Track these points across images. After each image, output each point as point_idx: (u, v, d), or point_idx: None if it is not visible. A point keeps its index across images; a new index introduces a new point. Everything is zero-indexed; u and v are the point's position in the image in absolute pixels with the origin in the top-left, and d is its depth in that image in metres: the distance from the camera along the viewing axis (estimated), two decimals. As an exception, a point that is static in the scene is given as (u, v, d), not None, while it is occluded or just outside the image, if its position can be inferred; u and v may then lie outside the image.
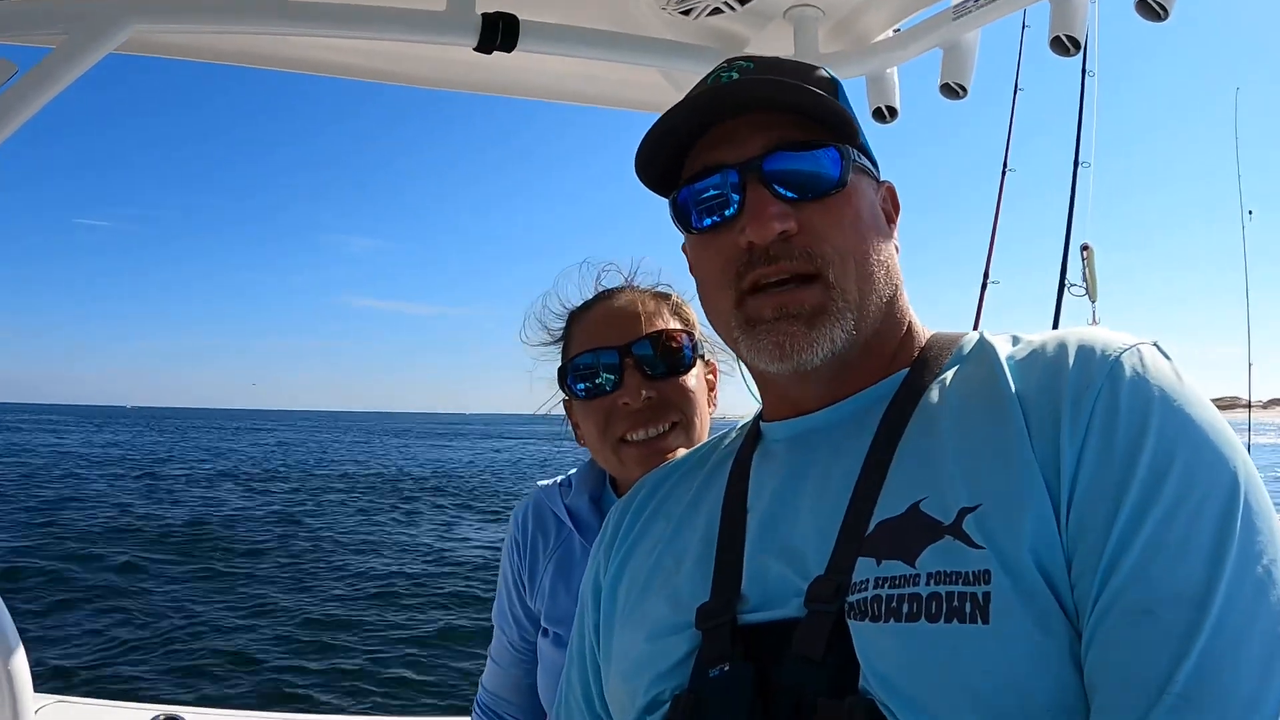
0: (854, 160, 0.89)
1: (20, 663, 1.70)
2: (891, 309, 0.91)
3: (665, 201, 0.95)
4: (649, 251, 1.57)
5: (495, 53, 1.68)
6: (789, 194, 0.85)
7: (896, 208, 0.97)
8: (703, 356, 1.48)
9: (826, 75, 0.95)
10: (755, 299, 0.86)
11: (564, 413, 1.57)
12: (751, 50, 2.06)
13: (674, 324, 1.45)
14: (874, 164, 0.95)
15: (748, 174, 0.86)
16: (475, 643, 8.70)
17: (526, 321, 1.58)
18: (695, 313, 1.53)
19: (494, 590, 1.71)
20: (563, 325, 1.54)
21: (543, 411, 1.58)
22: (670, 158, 0.94)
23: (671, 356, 1.40)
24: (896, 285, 0.92)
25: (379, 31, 1.67)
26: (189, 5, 1.60)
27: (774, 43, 2.02)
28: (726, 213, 0.87)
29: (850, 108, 0.93)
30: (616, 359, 1.39)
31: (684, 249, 1.00)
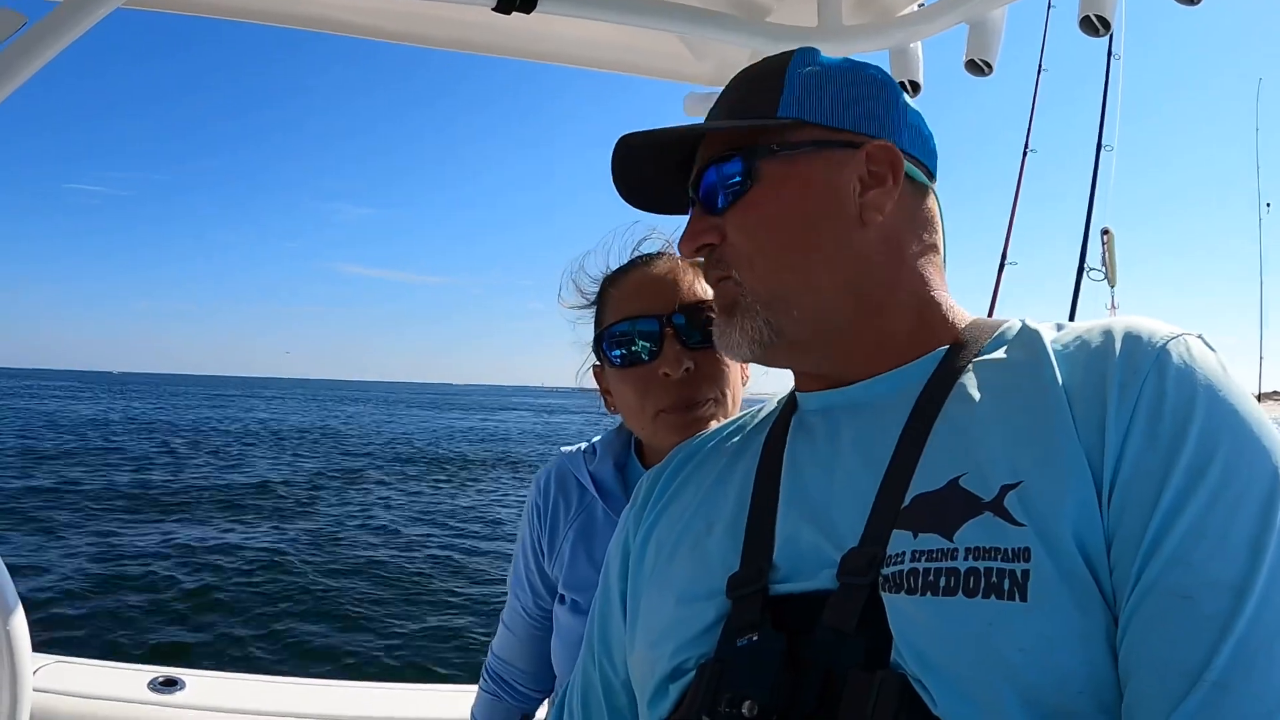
0: (770, 153, 0.89)
1: (19, 622, 1.71)
2: (863, 285, 0.88)
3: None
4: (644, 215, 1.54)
5: (514, 14, 1.65)
6: (712, 206, 0.93)
7: (892, 170, 0.90)
8: None
9: (772, 64, 0.96)
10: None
11: (591, 382, 1.54)
12: (775, 19, 2.03)
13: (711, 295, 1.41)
14: (844, 131, 0.90)
15: (692, 198, 0.96)
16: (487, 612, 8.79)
17: (563, 283, 1.54)
18: None
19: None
20: (597, 289, 1.51)
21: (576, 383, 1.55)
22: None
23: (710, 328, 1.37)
24: (854, 263, 0.88)
25: (395, -12, 1.65)
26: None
27: (797, 12, 1.99)
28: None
29: (819, 75, 0.92)
30: (656, 327, 1.36)
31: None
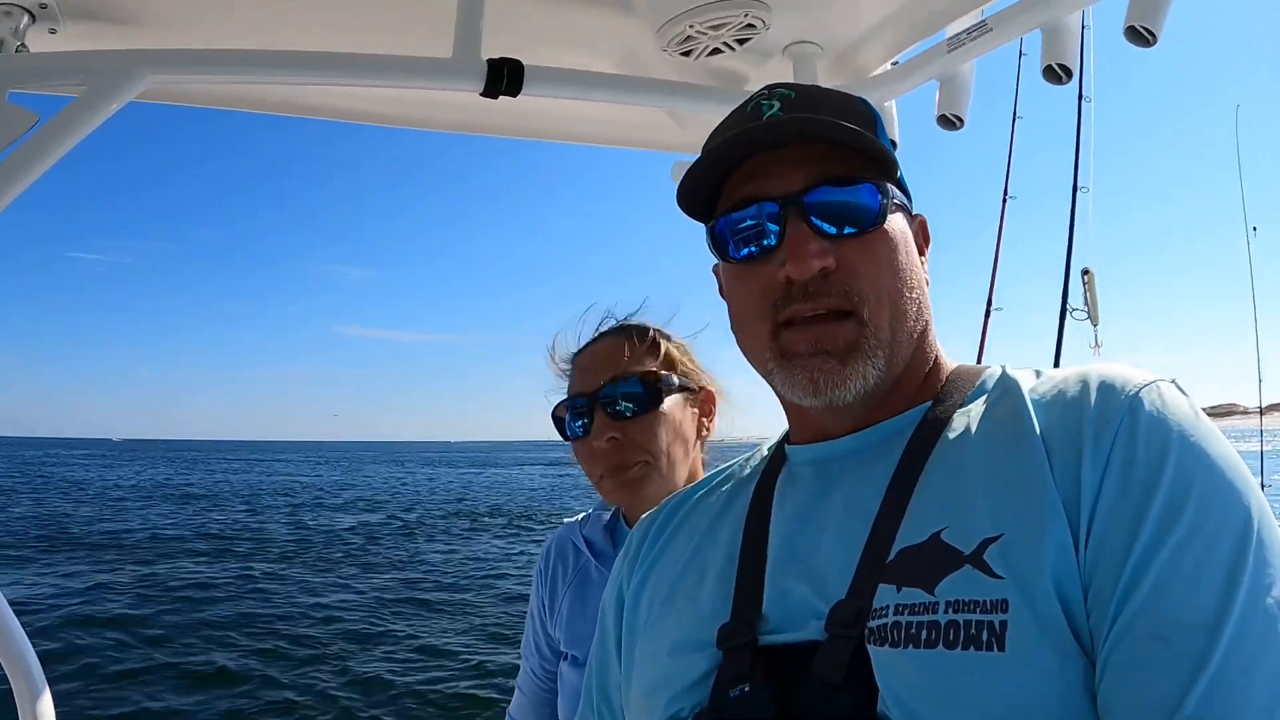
0: (892, 197, 0.90)
1: (46, 706, 1.72)
2: (922, 344, 0.93)
3: (650, 232, 0.98)
4: (635, 275, 1.66)
5: (501, 97, 1.71)
6: (829, 228, 0.86)
7: (927, 241, 0.98)
8: (688, 388, 1.57)
9: (867, 110, 0.96)
10: (790, 333, 0.87)
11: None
12: (753, 87, 2.10)
13: (646, 366, 1.55)
14: (909, 198, 0.97)
15: (788, 208, 0.87)
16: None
17: (548, 363, 1.69)
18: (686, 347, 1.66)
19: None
20: (569, 366, 1.66)
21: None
22: (708, 187, 0.95)
23: (635, 399, 1.51)
24: (927, 320, 0.93)
25: (388, 80, 1.71)
26: (202, 59, 1.64)
27: (775, 79, 2.06)
28: (765, 243, 0.88)
29: (888, 142, 0.94)
30: (588, 404, 1.53)
31: (715, 271, 1.01)
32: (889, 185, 0.90)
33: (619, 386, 1.52)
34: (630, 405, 1.51)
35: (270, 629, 11.17)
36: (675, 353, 1.62)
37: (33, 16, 1.63)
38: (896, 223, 0.91)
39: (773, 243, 0.88)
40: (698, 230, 0.98)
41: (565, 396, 1.60)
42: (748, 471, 1.06)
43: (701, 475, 1.53)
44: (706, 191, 0.95)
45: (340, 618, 11.86)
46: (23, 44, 1.62)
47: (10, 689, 1.67)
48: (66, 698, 8.08)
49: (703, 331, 1.68)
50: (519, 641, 1.80)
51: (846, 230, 0.87)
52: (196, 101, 2.04)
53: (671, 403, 1.55)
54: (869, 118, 0.95)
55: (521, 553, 18.62)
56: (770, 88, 0.95)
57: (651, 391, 1.53)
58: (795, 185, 0.87)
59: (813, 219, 0.86)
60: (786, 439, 1.03)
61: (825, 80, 2.07)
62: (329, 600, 13.17)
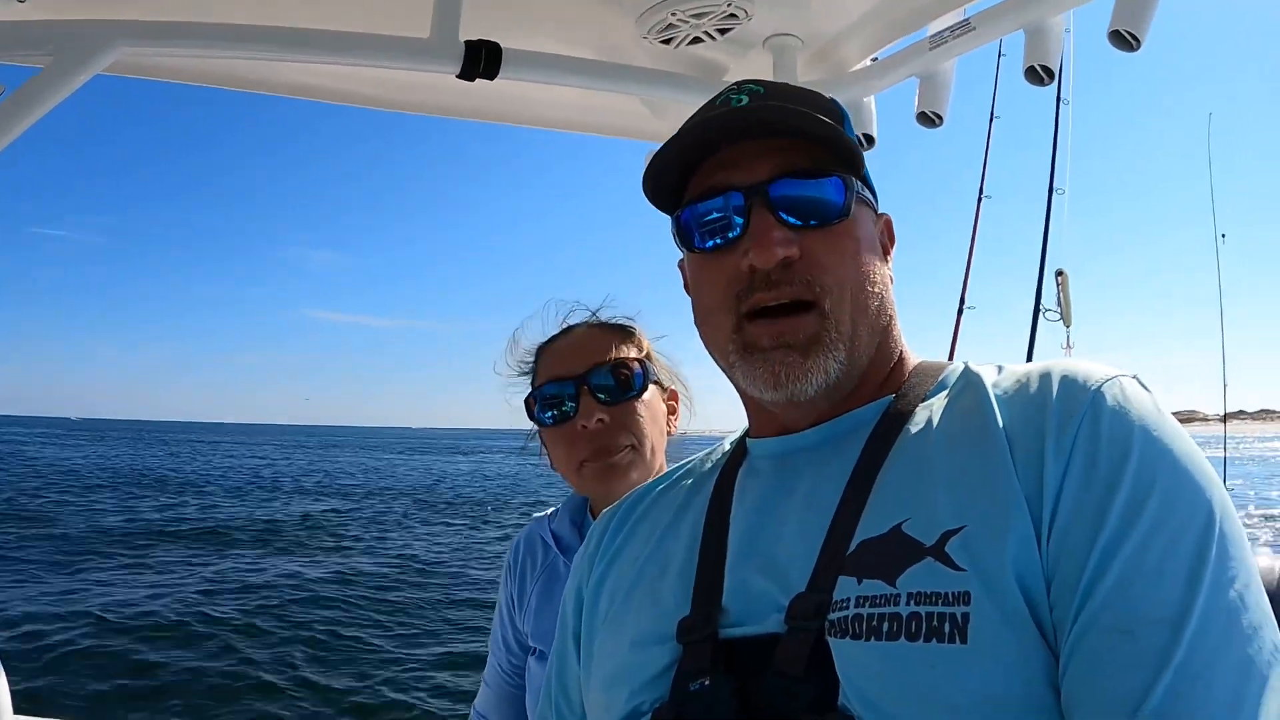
0: (857, 191, 0.91)
1: (1, 686, 1.68)
2: (885, 339, 0.93)
3: (622, 221, 0.97)
4: (607, 268, 1.67)
5: (478, 80, 1.70)
6: (793, 220, 0.86)
7: (892, 240, 0.99)
8: (658, 382, 1.62)
9: (835, 107, 0.96)
10: (754, 325, 0.87)
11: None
12: (731, 78, 2.09)
13: (628, 353, 1.58)
14: (874, 196, 0.97)
15: (753, 198, 0.86)
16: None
17: (503, 355, 1.71)
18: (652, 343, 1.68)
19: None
20: (532, 359, 1.67)
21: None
22: (675, 177, 0.95)
23: (622, 383, 1.54)
24: (890, 316, 0.93)
25: (364, 58, 1.69)
26: (176, 31, 1.61)
27: (753, 71, 2.06)
28: (730, 235, 0.88)
29: (855, 138, 0.95)
30: (574, 388, 1.53)
31: (680, 266, 1.01)
32: (855, 180, 0.90)
33: (608, 370, 1.53)
34: (618, 390, 1.53)
35: (223, 616, 11.03)
36: (649, 347, 1.65)
37: (1, -17, 1.59)
38: (861, 218, 0.92)
39: (737, 233, 0.88)
40: (666, 223, 0.98)
41: (535, 385, 1.60)
42: (709, 466, 1.06)
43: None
44: (673, 182, 0.95)
45: (299, 607, 11.73)
46: (-10, 12, 1.59)
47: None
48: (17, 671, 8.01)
49: (664, 338, 1.71)
50: (486, 633, 1.79)
51: (811, 222, 0.87)
52: (168, 76, 1.99)
53: (653, 392, 1.59)
54: (837, 115, 0.96)
55: (490, 541, 18.56)
56: (740, 83, 0.95)
57: (638, 378, 1.55)
58: (760, 176, 0.87)
59: (778, 210, 0.86)
60: (747, 434, 1.03)
61: (805, 73, 2.07)
62: (288, 585, 13.04)
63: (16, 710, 1.79)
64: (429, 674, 8.81)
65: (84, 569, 13.69)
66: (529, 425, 1.64)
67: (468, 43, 1.65)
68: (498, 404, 1.68)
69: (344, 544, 17.63)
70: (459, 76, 1.68)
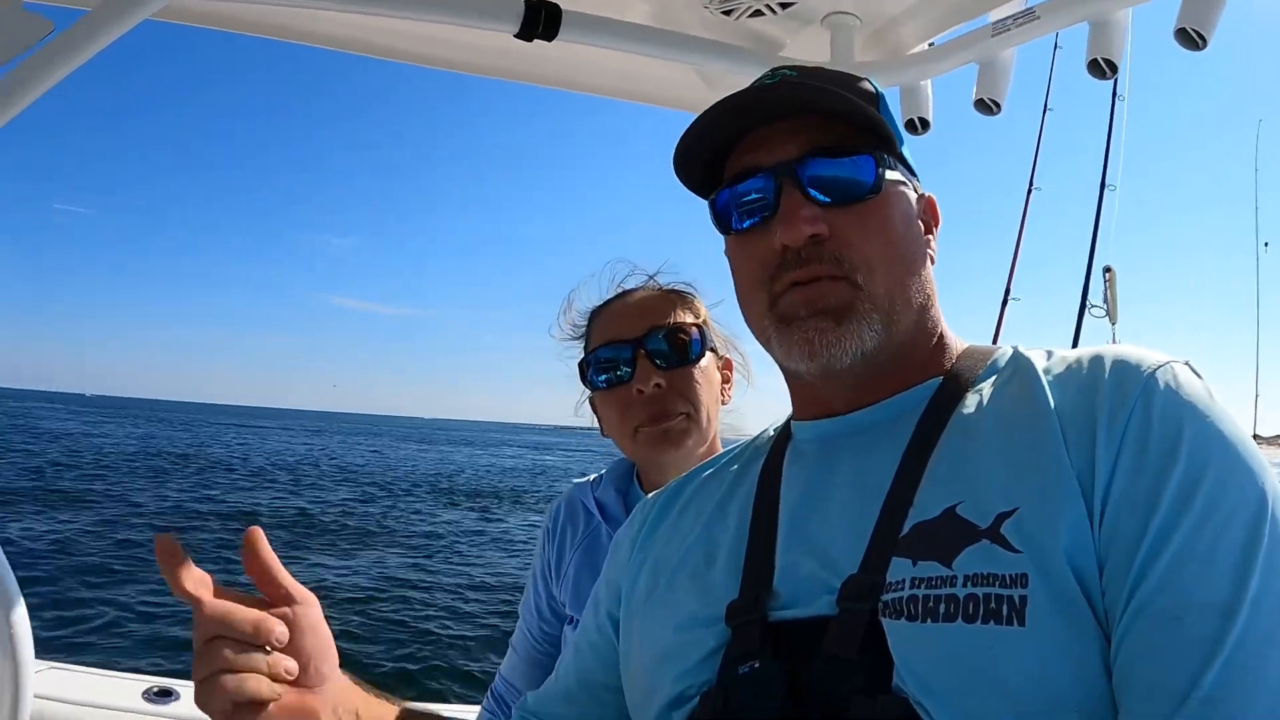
0: (889, 168, 0.90)
1: (23, 624, 1.70)
2: (923, 318, 0.92)
3: (657, 207, 0.97)
4: (649, 253, 1.66)
5: (535, 41, 1.68)
6: (822, 198, 0.86)
7: (936, 220, 0.98)
8: (714, 349, 1.57)
9: (870, 87, 0.96)
10: (788, 297, 0.88)
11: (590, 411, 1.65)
12: (788, 54, 2.07)
13: (685, 318, 1.54)
14: (914, 175, 0.96)
15: (783, 177, 0.87)
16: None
17: (558, 318, 1.69)
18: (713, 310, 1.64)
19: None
20: (585, 323, 1.64)
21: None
22: (709, 160, 0.95)
23: (680, 348, 1.51)
24: (929, 295, 0.93)
25: (420, 12, 1.68)
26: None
27: (811, 48, 2.03)
28: (763, 215, 0.89)
29: (892, 119, 0.94)
30: (630, 352, 1.50)
31: (726, 252, 1.01)
32: (886, 157, 0.90)
33: (666, 334, 1.50)
34: (676, 355, 1.50)
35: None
36: (705, 313, 1.62)
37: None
38: (894, 195, 0.91)
39: (769, 213, 0.88)
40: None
41: (590, 349, 1.58)
42: (754, 450, 1.06)
43: (719, 446, 1.53)
44: (704, 165, 0.96)
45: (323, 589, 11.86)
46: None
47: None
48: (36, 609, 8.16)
49: (720, 304, 1.66)
50: (506, 614, 1.77)
51: (841, 199, 0.87)
52: (216, 23, 1.98)
53: (709, 359, 1.56)
54: (871, 95, 0.96)
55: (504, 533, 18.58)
56: (774, 69, 0.96)
57: (695, 344, 1.52)
58: (790, 155, 0.88)
59: (807, 188, 0.87)
60: (791, 417, 1.02)
61: (862, 54, 2.04)
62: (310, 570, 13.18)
63: (38, 657, 1.81)
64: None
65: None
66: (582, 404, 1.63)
67: (528, 2, 1.64)
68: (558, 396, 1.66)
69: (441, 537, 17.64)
70: (517, 35, 1.66)
